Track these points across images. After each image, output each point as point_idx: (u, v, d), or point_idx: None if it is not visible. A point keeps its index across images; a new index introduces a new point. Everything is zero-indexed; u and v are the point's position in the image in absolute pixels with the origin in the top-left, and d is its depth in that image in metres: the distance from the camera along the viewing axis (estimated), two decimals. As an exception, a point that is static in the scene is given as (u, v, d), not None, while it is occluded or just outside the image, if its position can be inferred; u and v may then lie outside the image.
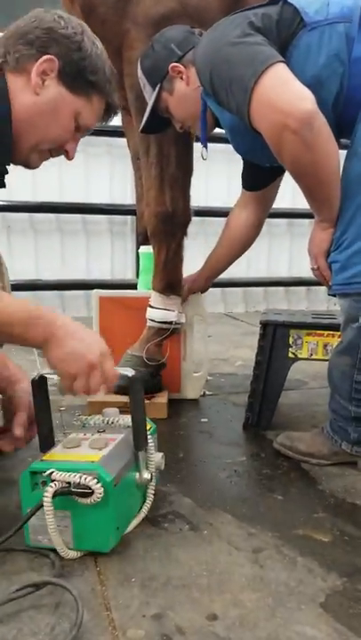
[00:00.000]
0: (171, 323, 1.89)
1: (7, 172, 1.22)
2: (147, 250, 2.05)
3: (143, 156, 1.78)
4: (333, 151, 1.25)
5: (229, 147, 1.59)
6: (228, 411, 1.95)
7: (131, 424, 1.18)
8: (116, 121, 2.35)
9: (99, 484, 1.01)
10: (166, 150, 1.74)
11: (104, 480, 1.02)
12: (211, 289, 2.07)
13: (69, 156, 1.25)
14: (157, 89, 1.57)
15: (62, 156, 1.27)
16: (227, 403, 2.04)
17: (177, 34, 1.56)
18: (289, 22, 1.30)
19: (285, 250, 4.37)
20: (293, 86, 1.20)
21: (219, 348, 2.85)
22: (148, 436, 1.19)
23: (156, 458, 1.22)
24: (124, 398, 1.79)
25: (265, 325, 1.71)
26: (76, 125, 1.22)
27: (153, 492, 1.21)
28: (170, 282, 1.88)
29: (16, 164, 1.24)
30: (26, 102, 1.15)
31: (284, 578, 1.02)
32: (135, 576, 1.01)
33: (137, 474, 1.17)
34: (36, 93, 1.15)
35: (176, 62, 1.53)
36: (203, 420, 1.85)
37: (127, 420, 1.25)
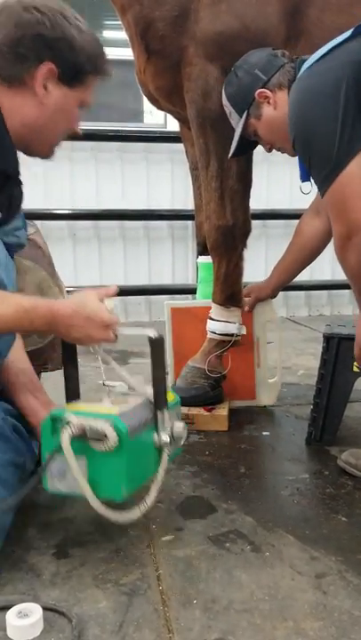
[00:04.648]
0: (232, 335, 1.89)
1: (19, 174, 1.25)
2: (205, 260, 2.06)
3: (203, 169, 1.79)
4: None
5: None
6: (291, 423, 1.93)
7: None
8: (176, 126, 2.37)
9: (113, 432, 1.03)
10: (227, 164, 1.73)
11: (118, 428, 1.05)
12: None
13: (77, 133, 1.29)
14: (245, 116, 1.56)
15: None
16: (289, 415, 2.01)
17: (260, 58, 1.54)
18: None
19: (350, 251, 4.24)
20: None
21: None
22: (173, 406, 1.22)
23: (178, 426, 1.21)
24: (195, 410, 1.83)
25: (328, 339, 1.67)
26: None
27: (168, 457, 1.18)
28: (230, 294, 1.88)
29: (44, 158, 1.29)
30: (32, 114, 1.17)
31: (348, 606, 1.00)
32: (197, 597, 1.02)
33: (155, 434, 1.17)
34: (42, 103, 1.17)
35: (262, 88, 1.51)
36: (265, 432, 1.84)
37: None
